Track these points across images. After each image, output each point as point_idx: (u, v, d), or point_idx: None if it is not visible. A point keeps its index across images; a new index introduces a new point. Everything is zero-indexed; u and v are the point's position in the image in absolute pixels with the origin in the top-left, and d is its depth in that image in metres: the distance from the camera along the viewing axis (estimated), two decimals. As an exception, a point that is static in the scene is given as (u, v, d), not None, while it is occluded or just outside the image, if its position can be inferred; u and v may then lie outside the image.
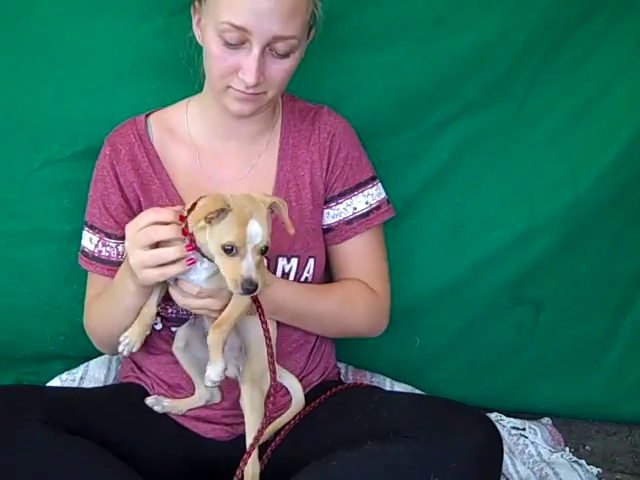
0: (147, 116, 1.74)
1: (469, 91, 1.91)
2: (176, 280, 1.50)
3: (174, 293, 1.52)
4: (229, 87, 1.56)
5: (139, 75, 1.84)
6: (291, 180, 1.72)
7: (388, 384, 2.03)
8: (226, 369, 1.50)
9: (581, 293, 2.06)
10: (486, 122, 1.94)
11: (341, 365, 1.96)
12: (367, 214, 1.75)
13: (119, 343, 1.55)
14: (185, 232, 1.43)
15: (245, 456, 1.50)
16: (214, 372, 1.48)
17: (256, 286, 1.36)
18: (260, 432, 1.53)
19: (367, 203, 1.75)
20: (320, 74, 1.75)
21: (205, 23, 1.55)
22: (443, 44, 1.87)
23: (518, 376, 2.12)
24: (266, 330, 1.51)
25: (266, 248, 1.40)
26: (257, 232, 1.37)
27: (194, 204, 1.43)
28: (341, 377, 1.94)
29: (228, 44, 1.51)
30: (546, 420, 2.07)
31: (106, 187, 1.69)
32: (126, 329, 1.57)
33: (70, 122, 1.85)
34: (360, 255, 1.77)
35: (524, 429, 1.98)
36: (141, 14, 1.80)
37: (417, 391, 2.01)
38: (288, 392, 1.70)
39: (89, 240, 1.73)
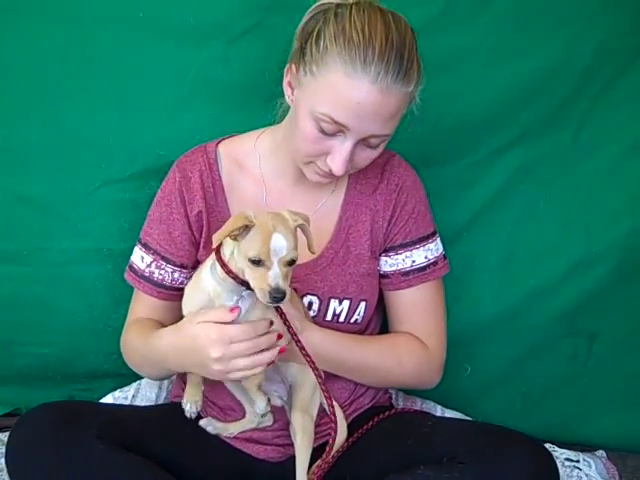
0: (217, 144, 1.73)
1: (525, 119, 1.91)
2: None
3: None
4: (312, 163, 1.57)
5: (197, 99, 1.87)
6: (352, 225, 1.71)
7: (439, 411, 2.01)
8: (269, 401, 1.57)
9: (636, 325, 2.03)
10: (542, 150, 1.94)
11: (391, 391, 1.95)
12: (424, 269, 1.73)
13: (183, 409, 1.58)
14: (221, 261, 1.45)
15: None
16: (259, 407, 1.56)
17: (284, 294, 1.39)
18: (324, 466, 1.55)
19: (426, 257, 1.74)
20: None
21: (301, 97, 1.52)
22: (500, 72, 1.87)
23: (572, 408, 2.09)
24: (304, 352, 1.52)
25: (293, 261, 1.42)
26: (282, 245, 1.39)
27: (219, 256, 1.47)
28: (392, 402, 1.93)
29: (323, 132, 1.49)
30: (600, 453, 2.02)
31: (171, 213, 1.69)
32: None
33: (130, 143, 1.89)
34: (414, 308, 1.74)
35: (578, 461, 1.94)
36: (201, 40, 1.83)
37: (469, 418, 1.97)
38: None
39: (140, 258, 1.73)
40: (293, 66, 1.54)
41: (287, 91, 1.58)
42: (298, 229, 1.45)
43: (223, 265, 1.44)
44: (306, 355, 1.50)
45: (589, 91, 1.90)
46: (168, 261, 1.70)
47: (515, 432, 1.51)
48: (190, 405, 1.57)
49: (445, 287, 1.80)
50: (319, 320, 1.67)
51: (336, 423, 1.55)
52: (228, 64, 1.82)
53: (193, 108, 1.88)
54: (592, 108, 1.91)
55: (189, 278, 1.69)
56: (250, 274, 1.41)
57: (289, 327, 1.50)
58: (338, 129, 1.48)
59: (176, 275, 1.71)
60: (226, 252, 1.45)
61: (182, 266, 1.71)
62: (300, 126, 1.52)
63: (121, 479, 1.45)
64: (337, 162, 1.51)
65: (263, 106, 1.70)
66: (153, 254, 1.71)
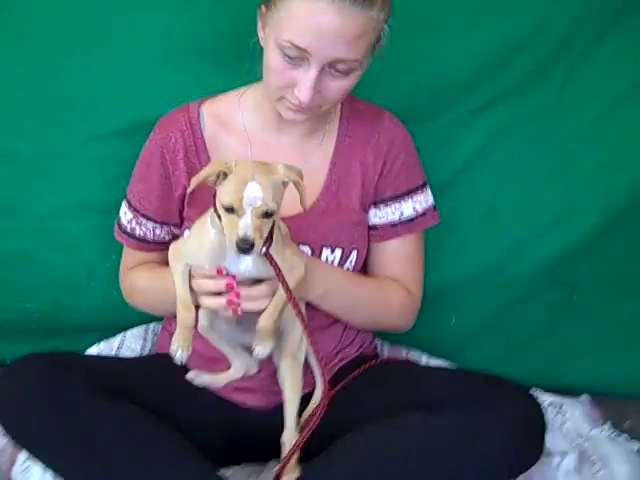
0: (200, 104, 1.73)
1: (507, 78, 1.91)
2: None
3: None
4: (283, 97, 1.55)
5: (183, 57, 1.88)
6: (342, 177, 1.72)
7: (424, 359, 2.04)
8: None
9: (615, 275, 2.06)
10: (524, 109, 1.94)
11: (376, 341, 1.98)
12: (412, 220, 1.76)
13: (173, 355, 1.51)
14: (217, 212, 1.43)
15: (285, 459, 1.53)
16: (263, 350, 1.50)
17: (251, 245, 1.35)
18: (303, 437, 1.54)
19: (414, 209, 1.76)
20: None
21: (268, 34, 1.52)
22: (481, 32, 1.87)
23: (554, 355, 2.12)
24: (284, 283, 1.48)
25: (268, 213, 1.38)
26: (256, 194, 1.36)
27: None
28: (378, 352, 1.96)
29: (287, 57, 1.48)
30: (584, 397, 2.04)
31: (150, 172, 1.71)
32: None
33: (115, 100, 1.90)
34: (398, 257, 1.77)
35: (562, 405, 1.96)
36: (187, 1, 1.83)
37: (454, 365, 2.02)
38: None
39: (124, 214, 1.77)
40: (263, 7, 1.55)
41: (260, 34, 1.58)
42: (291, 183, 1.43)
43: (218, 216, 1.43)
44: (295, 305, 1.49)
45: (572, 51, 1.90)
46: (148, 218, 1.74)
47: (501, 379, 1.55)
48: (181, 351, 1.50)
49: (430, 239, 1.83)
50: None
51: (325, 373, 1.57)
52: (214, 22, 1.83)
53: (179, 65, 1.88)
54: (575, 67, 1.91)
55: (172, 234, 1.74)
56: (224, 222, 1.39)
57: (278, 274, 1.46)
58: (301, 55, 1.47)
59: (157, 231, 1.75)
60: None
61: (163, 223, 1.74)
62: (268, 60, 1.52)
63: (111, 426, 1.46)
64: (303, 90, 1.50)
65: (249, 64, 1.69)
66: (133, 211, 1.75)
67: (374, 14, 1.47)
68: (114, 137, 1.92)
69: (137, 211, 1.74)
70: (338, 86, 1.53)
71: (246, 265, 1.48)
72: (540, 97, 1.94)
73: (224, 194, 1.39)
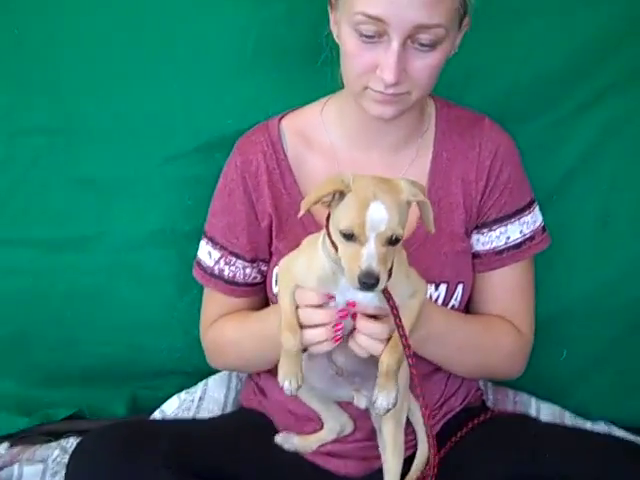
0: (280, 120, 1.62)
1: (614, 69, 1.78)
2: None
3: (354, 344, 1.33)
4: (367, 88, 1.42)
5: (260, 63, 1.79)
6: (443, 199, 1.56)
7: (533, 404, 1.89)
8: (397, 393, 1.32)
9: None
10: (634, 103, 1.80)
11: (482, 387, 1.83)
12: (519, 245, 1.60)
13: (281, 386, 1.34)
14: (330, 237, 1.26)
15: None
16: (387, 401, 1.30)
17: (377, 280, 1.17)
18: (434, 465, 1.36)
19: (521, 232, 1.61)
20: None
21: (340, 18, 1.42)
22: (585, 15, 1.75)
23: None
24: (400, 326, 1.29)
25: (396, 240, 1.20)
26: (381, 217, 1.18)
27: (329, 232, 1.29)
28: (483, 399, 1.79)
29: (364, 37, 1.36)
30: None
31: (234, 203, 1.58)
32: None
33: (192, 115, 1.82)
34: (505, 290, 1.62)
35: None
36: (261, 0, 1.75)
37: (566, 414, 1.88)
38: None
39: (208, 254, 1.63)
40: (332, 0, 1.46)
41: (334, 30, 1.48)
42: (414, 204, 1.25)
43: (331, 242, 1.25)
44: (407, 346, 1.28)
45: None
46: (237, 256, 1.60)
47: (637, 447, 1.37)
48: (290, 381, 1.32)
49: (536, 259, 1.67)
50: None
51: (432, 433, 1.36)
52: (292, 24, 1.74)
53: (256, 73, 1.79)
54: None
55: (261, 273, 1.60)
56: (342, 251, 1.21)
57: (394, 313, 1.28)
58: (379, 29, 1.35)
59: (248, 271, 1.60)
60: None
61: (253, 260, 1.60)
62: (345, 46, 1.41)
63: None
64: (386, 68, 1.36)
65: (331, 69, 1.59)
66: (220, 249, 1.61)
67: None
68: (192, 156, 1.83)
69: (225, 249, 1.60)
70: (425, 64, 1.39)
71: (364, 295, 1.29)
72: None
73: (342, 218, 1.20)
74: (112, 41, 1.80)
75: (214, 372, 1.91)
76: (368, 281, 1.16)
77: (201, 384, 1.92)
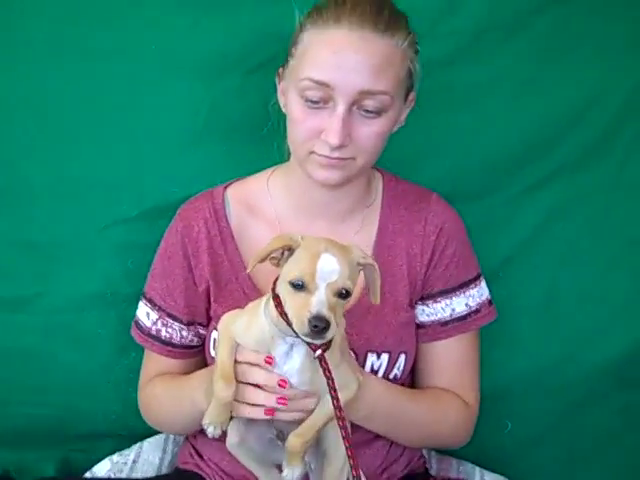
0: (225, 188, 1.61)
1: (563, 153, 1.81)
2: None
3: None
4: (312, 153, 1.43)
5: (211, 135, 1.78)
6: (387, 270, 1.54)
7: (477, 474, 1.86)
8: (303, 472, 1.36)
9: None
10: (583, 186, 1.82)
11: (425, 455, 1.80)
12: (464, 317, 1.60)
13: (204, 430, 1.35)
14: (276, 298, 1.26)
15: None
16: (292, 476, 1.34)
17: (327, 324, 1.15)
18: None
19: (467, 305, 1.61)
20: (400, 132, 1.60)
21: (287, 87, 1.45)
22: (533, 104, 1.78)
23: (622, 467, 1.92)
24: (335, 397, 1.27)
25: (346, 293, 1.20)
26: (332, 268, 1.18)
27: (275, 295, 1.28)
28: (427, 467, 1.77)
29: (310, 102, 1.38)
30: None
31: (173, 266, 1.58)
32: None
33: (139, 181, 1.80)
34: (451, 361, 1.61)
35: None
36: (216, 72, 1.75)
37: None
38: None
39: (146, 315, 1.62)
40: (280, 69, 1.50)
41: (281, 100, 1.51)
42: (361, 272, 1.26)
43: (277, 303, 1.25)
44: (340, 417, 1.27)
45: (632, 121, 1.79)
46: (174, 318, 1.58)
47: None
48: (214, 427, 1.32)
49: (481, 335, 1.67)
50: None
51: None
52: (244, 98, 1.74)
53: (207, 143, 1.79)
54: (636, 139, 1.80)
55: (199, 337, 1.59)
56: (290, 302, 1.21)
57: (330, 384, 1.26)
58: (325, 94, 1.37)
59: (184, 333, 1.59)
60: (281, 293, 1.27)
61: (190, 323, 1.58)
62: (292, 114, 1.43)
63: None
64: (331, 132, 1.37)
65: (277, 141, 1.60)
66: (158, 310, 1.60)
67: (396, 42, 1.39)
68: (135, 222, 1.81)
69: (163, 310, 1.59)
70: (370, 130, 1.41)
71: (291, 366, 1.30)
72: (600, 173, 1.82)
73: (292, 269, 1.21)
74: (62, 103, 1.77)
75: (149, 435, 1.86)
76: (319, 324, 1.15)
77: (135, 446, 1.87)
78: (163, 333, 1.59)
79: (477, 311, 1.61)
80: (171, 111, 1.77)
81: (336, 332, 1.22)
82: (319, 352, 1.24)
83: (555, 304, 1.86)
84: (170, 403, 1.56)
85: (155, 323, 1.60)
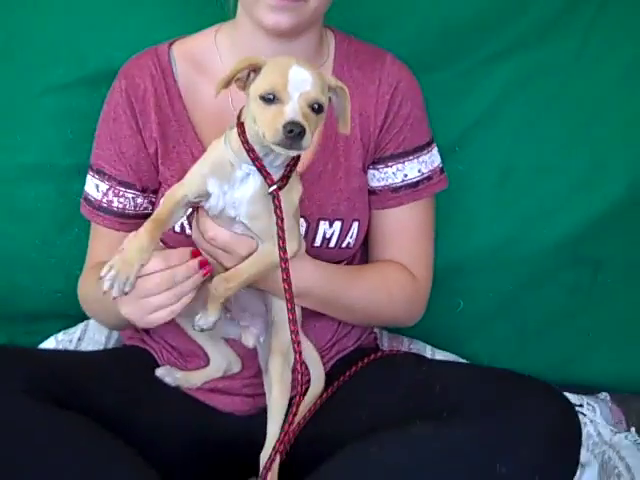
0: (170, 45, 1.54)
1: (525, 22, 1.75)
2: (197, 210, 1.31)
3: (193, 223, 1.34)
4: None
5: None
6: (339, 134, 1.47)
7: (429, 351, 1.88)
8: (218, 320, 1.31)
9: (646, 252, 1.89)
10: (544, 57, 1.77)
11: (376, 330, 1.80)
12: (416, 184, 1.56)
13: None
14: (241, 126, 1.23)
15: (267, 463, 1.34)
16: (204, 321, 1.30)
17: (303, 129, 1.12)
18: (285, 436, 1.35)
19: (419, 171, 1.56)
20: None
21: None
22: None
23: (572, 345, 1.94)
24: (288, 285, 1.27)
25: (319, 107, 1.17)
26: (304, 77, 1.15)
27: (240, 122, 1.24)
28: (378, 344, 1.77)
29: None
30: (604, 395, 1.89)
31: (121, 128, 1.50)
32: None
33: (77, 44, 1.72)
34: (402, 231, 1.58)
35: (582, 405, 1.81)
36: None
37: (462, 360, 1.85)
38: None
39: (95, 187, 1.54)
40: None
41: None
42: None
43: (241, 131, 1.22)
44: (286, 279, 1.27)
45: None
46: (128, 185, 1.51)
47: (525, 376, 1.34)
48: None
49: (436, 210, 1.64)
50: (306, 247, 1.45)
51: (302, 372, 1.32)
52: None
53: (146, 3, 1.72)
54: (601, 11, 1.74)
55: (152, 203, 1.53)
56: (261, 116, 1.17)
57: (279, 218, 1.25)
58: None
59: (139, 200, 1.52)
60: (246, 120, 1.23)
61: (144, 189, 1.52)
62: None
63: (47, 440, 1.24)
64: None
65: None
66: (109, 180, 1.52)
67: None
68: (75, 88, 1.74)
69: (114, 179, 1.51)
70: None
71: (243, 194, 1.26)
72: (561, 47, 1.77)
73: (263, 83, 1.18)
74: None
75: None
76: (295, 128, 1.12)
77: (81, 325, 1.85)
78: (115, 204, 1.52)
79: (429, 178, 1.57)
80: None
81: (309, 143, 1.17)
82: (274, 187, 1.23)
83: (511, 180, 1.84)
84: (99, 306, 1.51)
85: (106, 194, 1.53)
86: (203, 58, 1.53)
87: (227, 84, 1.20)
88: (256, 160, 1.22)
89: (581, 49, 1.77)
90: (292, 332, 1.29)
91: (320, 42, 1.52)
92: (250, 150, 1.22)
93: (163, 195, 1.43)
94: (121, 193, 1.52)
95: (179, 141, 1.49)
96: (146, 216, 1.46)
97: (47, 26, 1.71)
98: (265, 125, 1.16)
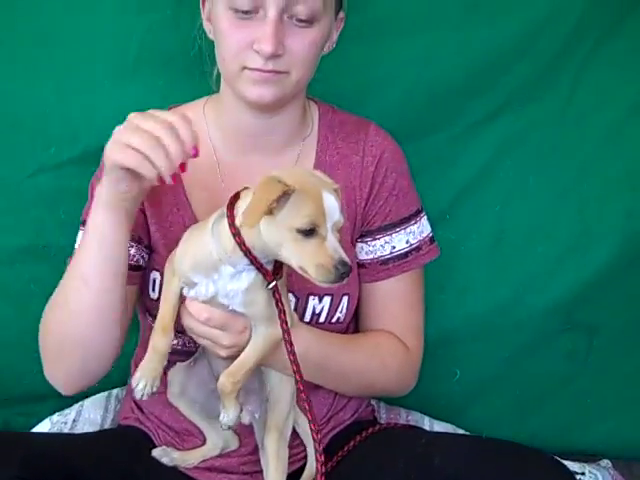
0: None
1: (509, 84, 1.77)
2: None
3: (182, 310, 1.31)
4: (244, 68, 1.36)
5: (144, 70, 1.71)
6: None
7: (427, 423, 1.84)
8: (241, 412, 1.35)
9: (641, 316, 1.89)
10: (529, 119, 1.79)
11: (373, 403, 1.78)
12: (405, 255, 1.55)
13: (133, 389, 1.30)
14: (234, 232, 1.22)
15: None
16: (227, 418, 1.33)
17: (350, 268, 1.16)
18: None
19: (407, 242, 1.55)
20: (342, 66, 1.56)
21: (213, 4, 1.39)
22: (480, 32, 1.73)
23: (572, 411, 1.94)
24: (286, 331, 1.27)
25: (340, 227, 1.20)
26: (334, 205, 1.17)
27: (235, 196, 1.24)
28: (375, 416, 1.74)
29: (240, 12, 1.33)
30: (606, 463, 1.86)
31: None
32: (90, 329, 1.33)
33: (69, 123, 1.72)
34: (393, 302, 1.56)
35: (584, 473, 1.76)
36: (146, 3, 1.68)
37: (460, 431, 1.81)
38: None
39: None
40: None
41: (207, 27, 1.46)
42: None
43: (236, 234, 1.21)
44: (291, 352, 1.28)
45: (580, 50, 1.75)
46: None
47: (528, 448, 1.32)
48: (144, 383, 1.29)
49: (428, 277, 1.62)
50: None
51: (319, 442, 1.30)
52: (178, 28, 1.66)
53: (139, 79, 1.71)
54: (584, 69, 1.77)
55: (145, 259, 1.49)
56: (296, 249, 1.17)
57: (282, 313, 1.26)
58: (254, 3, 1.32)
59: (132, 251, 1.46)
60: (238, 220, 1.22)
61: (139, 240, 1.47)
62: (220, 27, 1.37)
63: None
64: (264, 38, 1.32)
65: (211, 70, 1.54)
66: None
67: None
68: (67, 167, 1.74)
69: None
70: (303, 40, 1.36)
71: (237, 287, 1.26)
72: (547, 106, 1.79)
73: (298, 215, 1.16)
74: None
75: (91, 394, 1.81)
76: (346, 270, 1.16)
77: (76, 405, 1.81)
78: None
79: (418, 248, 1.56)
80: (99, 46, 1.69)
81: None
82: (274, 283, 1.24)
83: (503, 245, 1.84)
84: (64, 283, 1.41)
85: None
86: (194, 127, 1.52)
87: (262, 214, 1.16)
88: (254, 260, 1.22)
89: (566, 107, 1.79)
90: (310, 421, 1.28)
91: (303, 114, 1.53)
92: (248, 251, 1.21)
93: (154, 269, 1.44)
94: None
95: (172, 209, 1.47)
96: (137, 269, 1.47)
97: (38, 106, 1.71)
98: (307, 261, 1.16)
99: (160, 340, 1.30)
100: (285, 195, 1.16)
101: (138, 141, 1.21)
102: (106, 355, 1.38)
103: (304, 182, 1.17)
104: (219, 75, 1.47)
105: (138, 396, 1.30)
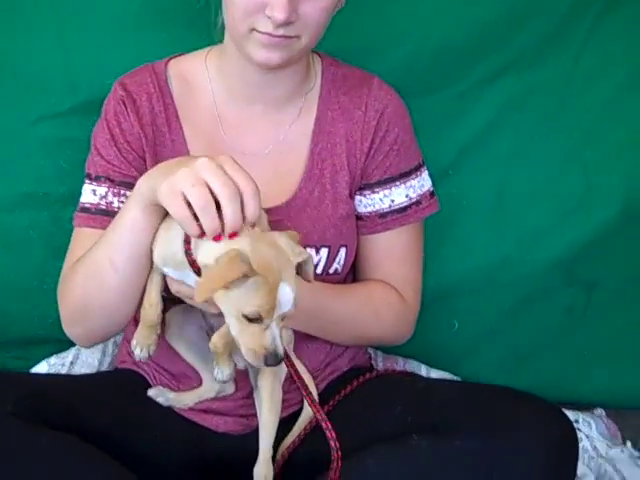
0: (167, 63, 1.52)
1: (517, 44, 1.75)
2: None
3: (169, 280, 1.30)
4: (253, 30, 1.33)
5: (147, 21, 1.68)
6: (327, 159, 1.50)
7: (424, 371, 1.86)
8: (235, 367, 1.36)
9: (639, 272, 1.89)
10: (536, 79, 1.78)
11: (370, 351, 1.80)
12: (404, 209, 1.54)
13: (132, 352, 1.34)
14: (189, 250, 1.20)
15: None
16: (221, 375, 1.36)
17: (281, 360, 1.16)
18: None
19: (407, 196, 1.54)
20: (348, 22, 1.53)
21: None
22: None
23: (567, 363, 1.95)
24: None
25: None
26: (288, 298, 1.14)
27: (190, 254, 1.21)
28: (372, 363, 1.76)
29: None
30: (599, 411, 1.89)
31: (122, 131, 1.46)
32: (109, 300, 1.33)
33: (70, 72, 1.70)
34: (390, 254, 1.56)
35: (577, 421, 1.80)
36: None
37: (457, 379, 1.84)
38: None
39: (92, 192, 1.47)
40: None
41: None
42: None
43: (188, 255, 1.20)
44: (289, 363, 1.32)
45: (590, 11, 1.74)
46: (127, 185, 1.44)
47: (525, 393, 1.33)
48: (141, 348, 1.33)
49: (429, 232, 1.63)
50: None
51: (306, 387, 1.35)
52: None
53: (141, 30, 1.69)
54: (594, 31, 1.75)
55: None
56: (238, 330, 1.16)
57: (295, 375, 1.33)
58: None
59: None
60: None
61: None
62: None
63: (41, 461, 1.22)
64: (277, 5, 1.28)
65: (214, 20, 1.51)
66: (107, 181, 1.46)
67: None
68: (68, 116, 1.72)
69: (112, 181, 1.45)
70: (316, 5, 1.33)
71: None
72: (555, 67, 1.78)
73: (248, 303, 1.13)
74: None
75: None
76: (274, 362, 1.16)
77: (74, 348, 1.82)
78: (115, 204, 1.45)
79: (418, 202, 1.56)
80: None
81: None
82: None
83: (505, 203, 1.84)
84: (85, 260, 1.38)
85: (105, 197, 1.46)
86: (194, 79, 1.51)
87: (216, 291, 1.13)
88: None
89: (573, 70, 1.78)
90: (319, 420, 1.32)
91: (307, 69, 1.51)
92: (198, 271, 1.19)
93: None
94: (122, 192, 1.46)
95: (170, 157, 1.43)
96: None
97: (38, 54, 1.70)
98: (244, 343, 1.16)
99: (148, 313, 1.31)
100: (245, 277, 1.12)
101: (195, 198, 1.12)
102: (128, 317, 1.38)
103: (267, 267, 1.12)
104: (224, 26, 1.44)
105: (137, 359, 1.34)
